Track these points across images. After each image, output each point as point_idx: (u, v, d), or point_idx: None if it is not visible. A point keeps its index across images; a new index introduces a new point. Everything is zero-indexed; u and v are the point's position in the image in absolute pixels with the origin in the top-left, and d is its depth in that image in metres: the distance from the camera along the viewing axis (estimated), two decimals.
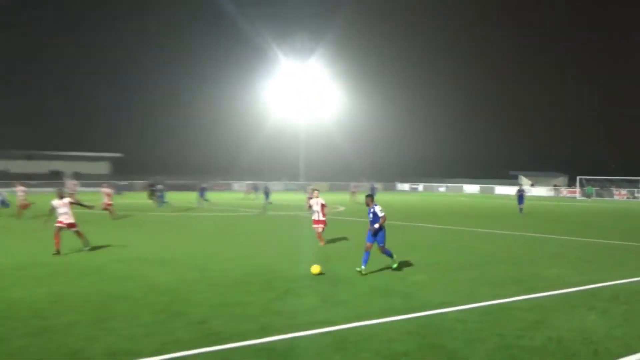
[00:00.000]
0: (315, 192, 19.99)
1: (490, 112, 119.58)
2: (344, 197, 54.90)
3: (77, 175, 75.13)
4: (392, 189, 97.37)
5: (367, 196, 14.14)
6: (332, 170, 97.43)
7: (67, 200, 16.87)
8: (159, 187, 43.36)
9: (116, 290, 11.51)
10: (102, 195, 31.35)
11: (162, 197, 41.35)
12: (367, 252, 13.31)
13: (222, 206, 43.73)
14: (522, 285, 12.33)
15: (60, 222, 16.57)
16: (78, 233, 16.91)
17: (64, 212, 16.57)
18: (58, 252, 16.06)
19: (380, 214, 13.37)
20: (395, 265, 13.74)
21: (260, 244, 19.72)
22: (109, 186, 34.14)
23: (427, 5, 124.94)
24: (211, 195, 46.21)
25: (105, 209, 30.20)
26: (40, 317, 9.35)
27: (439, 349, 7.76)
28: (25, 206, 30.44)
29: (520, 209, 36.73)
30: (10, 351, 7.57)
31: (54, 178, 71.70)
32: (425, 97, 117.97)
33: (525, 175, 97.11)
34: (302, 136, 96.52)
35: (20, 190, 31.43)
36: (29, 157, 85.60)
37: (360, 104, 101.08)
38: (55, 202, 16.77)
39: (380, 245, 13.50)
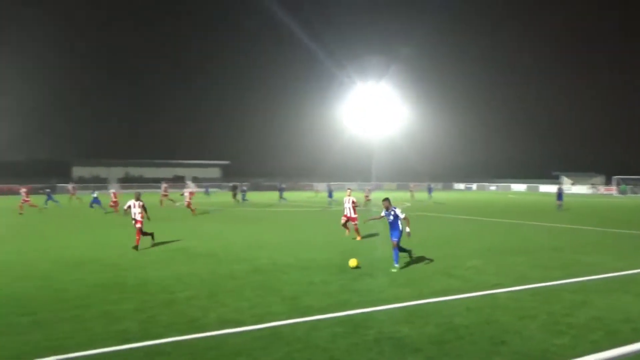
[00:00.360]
0: (348, 190, 19.23)
1: (535, 120, 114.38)
2: (407, 194, 54.18)
3: (195, 179, 77.76)
4: (450, 188, 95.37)
5: (384, 200, 12.51)
6: (399, 173, 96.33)
7: (141, 202, 16.33)
8: (243, 187, 44.59)
9: (225, 271, 11.75)
10: (185, 193, 30.61)
11: (244, 195, 42.31)
12: (395, 249, 12.12)
13: (297, 203, 43.68)
14: (567, 270, 11.71)
15: (138, 221, 16.06)
16: (139, 230, 16.00)
17: (138, 211, 16.20)
18: (152, 238, 16.25)
19: (401, 215, 12.18)
20: (394, 270, 11.70)
21: (333, 234, 19.59)
22: (190, 187, 35.60)
23: (474, 28, 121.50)
24: (288, 194, 46.44)
25: (188, 206, 29.50)
26: (166, 292, 9.67)
27: (495, 323, 7.45)
28: (115, 204, 30.34)
29: (559, 205, 34.78)
30: (144, 319, 7.85)
31: (178, 181, 74.65)
32: (478, 108, 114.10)
33: (567, 176, 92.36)
34: (373, 144, 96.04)
35: (112, 191, 32.67)
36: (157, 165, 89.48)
37: (422, 116, 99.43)
38: (132, 202, 16.41)
39: (394, 240, 12.10)
